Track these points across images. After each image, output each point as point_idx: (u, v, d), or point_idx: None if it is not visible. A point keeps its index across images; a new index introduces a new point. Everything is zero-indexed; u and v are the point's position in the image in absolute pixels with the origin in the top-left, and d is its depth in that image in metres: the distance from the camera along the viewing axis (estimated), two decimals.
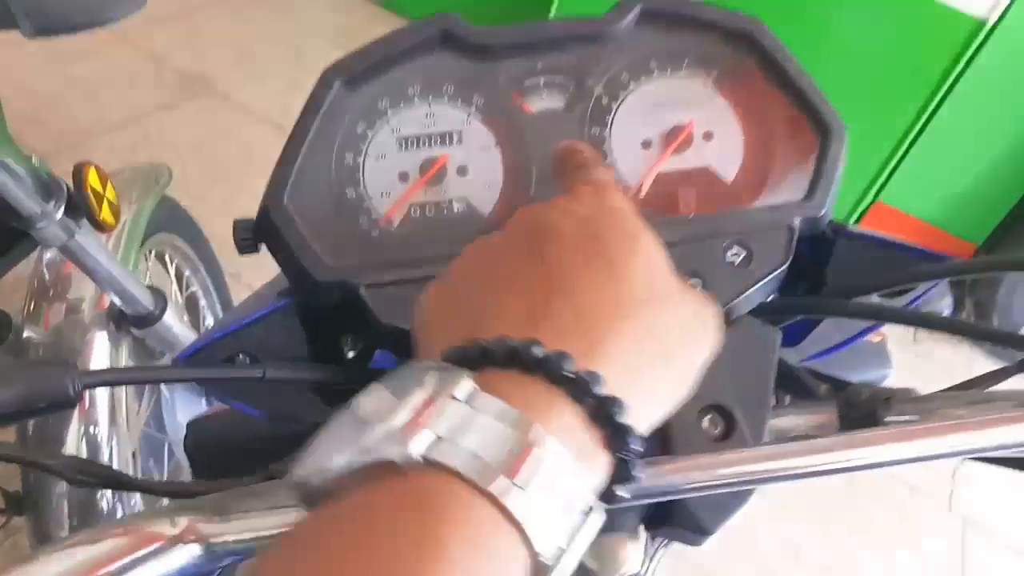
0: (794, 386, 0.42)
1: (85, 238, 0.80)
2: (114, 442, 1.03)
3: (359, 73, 0.41)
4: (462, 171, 0.42)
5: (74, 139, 2.21)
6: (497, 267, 0.30)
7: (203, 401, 1.35)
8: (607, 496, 0.25)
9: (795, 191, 0.41)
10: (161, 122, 2.37)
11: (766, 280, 0.39)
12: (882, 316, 0.39)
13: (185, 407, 1.34)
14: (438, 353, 0.27)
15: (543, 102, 0.43)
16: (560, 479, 0.23)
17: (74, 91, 2.37)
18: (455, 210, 0.41)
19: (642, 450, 0.25)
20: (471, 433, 0.22)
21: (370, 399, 0.24)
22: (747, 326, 0.39)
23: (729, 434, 0.35)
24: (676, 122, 0.43)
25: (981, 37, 2.13)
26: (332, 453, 0.23)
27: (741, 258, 0.39)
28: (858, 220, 2.55)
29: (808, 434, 0.36)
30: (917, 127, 2.33)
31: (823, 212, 0.41)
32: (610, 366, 0.25)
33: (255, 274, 1.76)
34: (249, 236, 0.40)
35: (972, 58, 2.18)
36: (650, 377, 0.27)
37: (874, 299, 0.43)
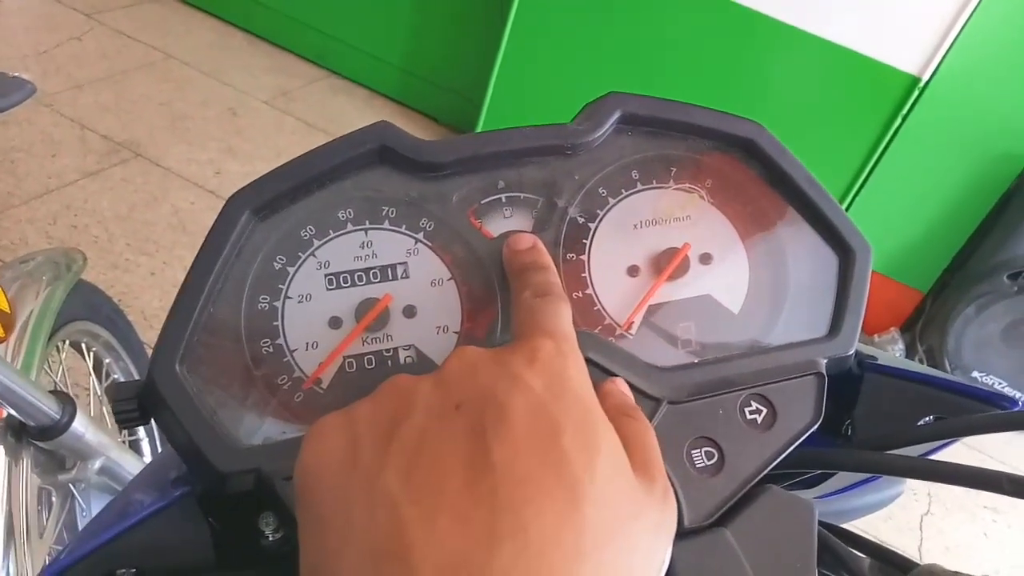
0: (827, 558, 0.34)
1: None
2: (10, 568, 0.90)
3: (272, 200, 0.32)
4: (409, 312, 0.34)
5: None
6: (425, 448, 0.23)
7: None
8: None
9: (816, 324, 0.34)
10: (85, 190, 2.23)
11: (794, 444, 0.31)
12: (936, 476, 0.32)
13: None
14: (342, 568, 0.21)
15: (505, 223, 0.35)
16: None
17: None
18: (402, 362, 0.33)
19: None
20: None
21: None
22: (774, 501, 0.31)
23: None
24: (667, 244, 0.35)
25: (916, 93, 2.18)
26: None
27: (762, 416, 0.32)
28: None
29: None
30: (860, 179, 2.36)
31: (851, 351, 0.34)
32: None
33: None
34: (133, 408, 0.31)
35: (909, 113, 2.23)
36: None
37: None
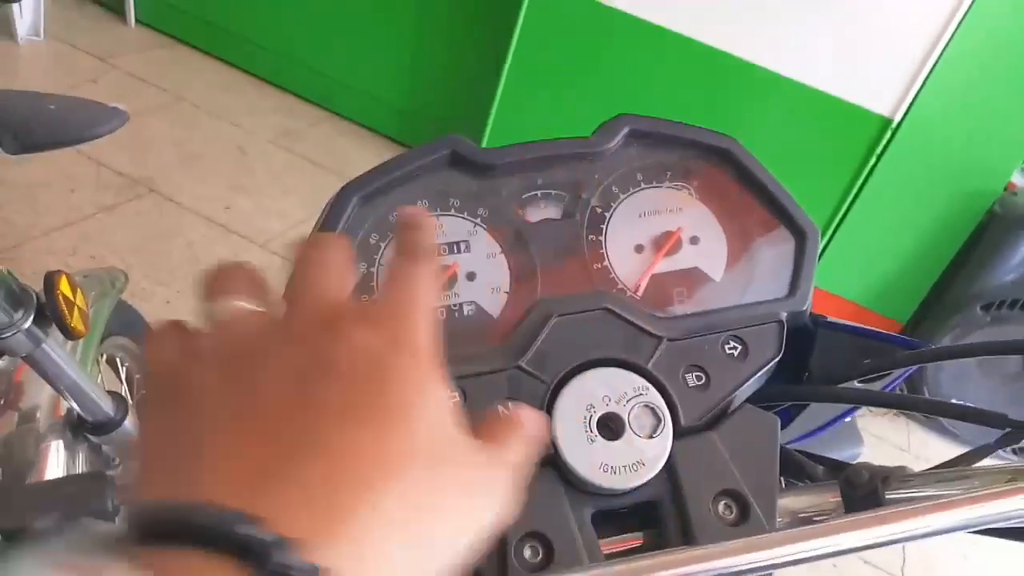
0: (792, 468, 0.45)
1: (51, 347, 0.78)
2: None
3: (372, 190, 0.43)
4: (471, 276, 0.44)
5: (10, 242, 2.15)
6: (241, 391, 0.24)
7: None
8: None
9: (778, 288, 0.45)
10: (102, 224, 2.34)
11: (762, 371, 0.42)
12: (869, 401, 0.43)
13: None
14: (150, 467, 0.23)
15: (542, 212, 0.46)
16: None
17: (10, 194, 2.32)
18: (465, 313, 0.44)
19: None
20: None
21: None
22: (748, 414, 0.41)
23: (744, 519, 0.37)
24: (665, 228, 0.46)
25: (889, 134, 2.32)
26: None
27: (738, 351, 0.42)
28: None
29: (815, 514, 0.39)
30: (838, 216, 2.48)
31: (806, 306, 0.45)
32: (354, 548, 0.21)
33: None
34: None
35: (883, 152, 2.36)
36: (405, 559, 0.22)
37: (855, 385, 0.46)
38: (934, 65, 2.21)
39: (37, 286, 0.90)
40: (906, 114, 2.29)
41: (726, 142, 0.47)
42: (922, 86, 2.24)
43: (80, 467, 0.98)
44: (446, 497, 0.24)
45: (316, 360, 0.25)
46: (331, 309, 0.27)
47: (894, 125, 2.31)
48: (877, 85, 2.29)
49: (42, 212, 2.31)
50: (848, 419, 0.51)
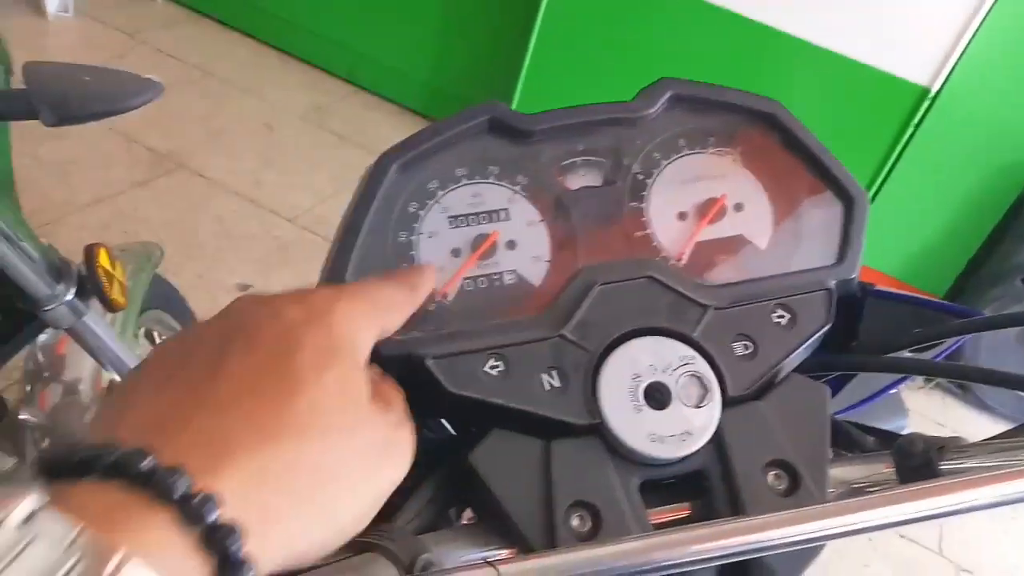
0: (842, 439, 0.44)
1: (92, 319, 0.79)
2: None
3: (412, 158, 0.43)
4: (511, 245, 0.44)
5: (45, 218, 2.19)
6: (178, 359, 0.28)
7: None
8: None
9: (826, 255, 0.44)
10: (134, 199, 2.36)
11: (811, 340, 0.41)
12: (923, 370, 0.42)
13: None
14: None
15: (582, 179, 0.45)
16: None
17: (44, 171, 2.36)
18: (506, 281, 0.43)
19: None
20: (17, 565, 0.19)
21: None
22: (797, 383, 0.40)
23: (795, 488, 0.36)
24: (709, 195, 0.45)
25: (927, 104, 2.26)
26: None
27: (786, 320, 0.41)
28: None
29: (867, 485, 0.38)
30: (875, 187, 2.44)
31: (854, 274, 0.43)
32: (240, 487, 0.23)
33: None
34: None
35: (920, 123, 2.31)
36: (294, 507, 0.25)
37: (905, 354, 0.45)
38: (974, 34, 2.15)
39: (74, 261, 0.91)
40: (944, 84, 2.24)
41: (771, 106, 0.46)
42: (961, 55, 2.19)
43: None
44: (350, 467, 0.27)
45: (240, 329, 0.28)
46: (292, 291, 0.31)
47: (932, 95, 2.25)
48: (914, 54, 2.23)
49: (76, 188, 2.34)
50: (894, 390, 0.50)
